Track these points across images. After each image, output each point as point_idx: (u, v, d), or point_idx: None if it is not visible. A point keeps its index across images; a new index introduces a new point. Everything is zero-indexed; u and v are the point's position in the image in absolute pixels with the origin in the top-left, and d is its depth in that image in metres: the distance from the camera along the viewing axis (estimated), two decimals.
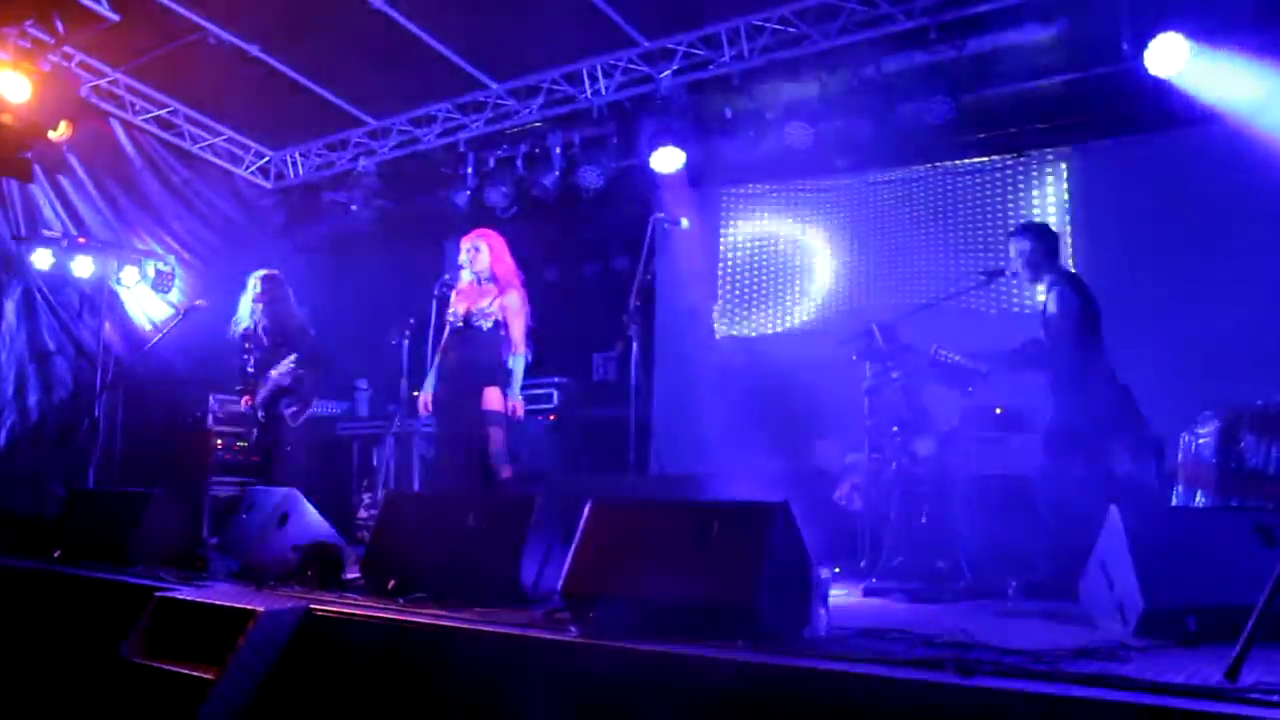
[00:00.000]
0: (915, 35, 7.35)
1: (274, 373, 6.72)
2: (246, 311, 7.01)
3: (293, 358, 6.68)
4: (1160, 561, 3.33)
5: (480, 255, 5.91)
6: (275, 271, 7.17)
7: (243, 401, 6.96)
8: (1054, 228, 5.35)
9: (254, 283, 7.02)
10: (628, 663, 2.96)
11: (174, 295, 9.53)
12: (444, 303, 5.98)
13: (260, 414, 6.82)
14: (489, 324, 5.80)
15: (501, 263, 5.94)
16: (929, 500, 5.31)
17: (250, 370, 6.91)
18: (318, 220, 10.27)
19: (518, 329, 5.83)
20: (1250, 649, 2.44)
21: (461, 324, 5.84)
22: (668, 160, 8.26)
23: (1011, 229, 5.64)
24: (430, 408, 5.85)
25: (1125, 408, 4.99)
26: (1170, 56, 6.30)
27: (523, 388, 8.46)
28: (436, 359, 5.90)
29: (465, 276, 5.92)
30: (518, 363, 5.82)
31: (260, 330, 6.92)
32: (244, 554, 5.09)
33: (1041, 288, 5.32)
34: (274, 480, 6.31)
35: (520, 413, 5.81)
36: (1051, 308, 5.14)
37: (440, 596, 3.94)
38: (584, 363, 9.65)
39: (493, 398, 5.72)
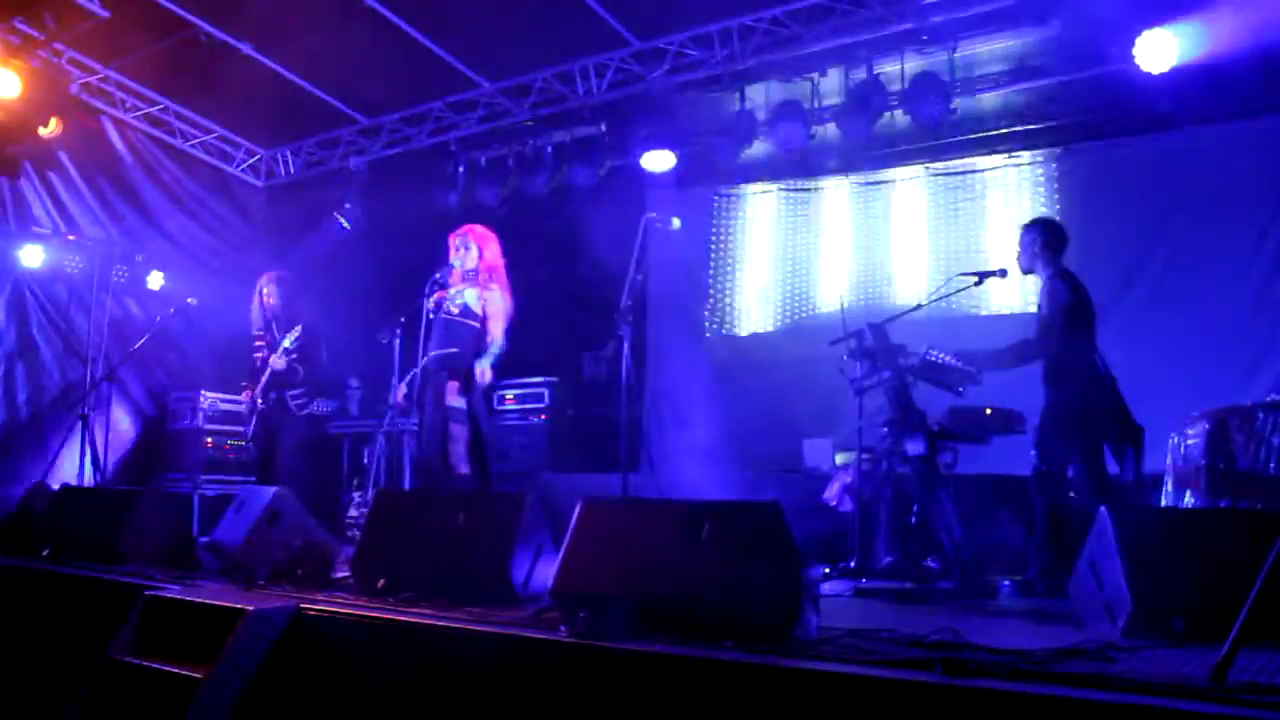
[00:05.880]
0: (907, 37, 7.38)
1: (272, 360, 6.75)
2: (257, 313, 7.02)
3: (287, 343, 6.69)
4: (1148, 562, 3.34)
5: (469, 252, 5.90)
6: (282, 272, 7.19)
7: (244, 395, 6.95)
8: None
9: (263, 284, 7.04)
10: (617, 663, 2.96)
11: (163, 293, 9.50)
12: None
13: (260, 403, 6.82)
14: (457, 310, 5.77)
15: (486, 258, 5.91)
16: (918, 500, 5.31)
17: (259, 368, 6.91)
18: (308, 218, 10.25)
19: (497, 326, 5.78)
20: (1238, 650, 2.45)
21: (433, 314, 5.82)
22: (659, 160, 8.28)
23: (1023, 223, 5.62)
24: (405, 399, 5.86)
25: (1113, 399, 5.00)
26: (1160, 52, 6.32)
27: (514, 386, 8.44)
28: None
29: (456, 272, 5.89)
30: (494, 349, 5.76)
31: (274, 329, 6.91)
32: (234, 553, 5.07)
33: (1037, 281, 5.32)
34: (273, 477, 6.29)
35: (486, 378, 5.68)
36: (1043, 300, 5.17)
37: (430, 596, 3.93)
38: (574, 362, 9.64)
39: (454, 391, 5.68)
